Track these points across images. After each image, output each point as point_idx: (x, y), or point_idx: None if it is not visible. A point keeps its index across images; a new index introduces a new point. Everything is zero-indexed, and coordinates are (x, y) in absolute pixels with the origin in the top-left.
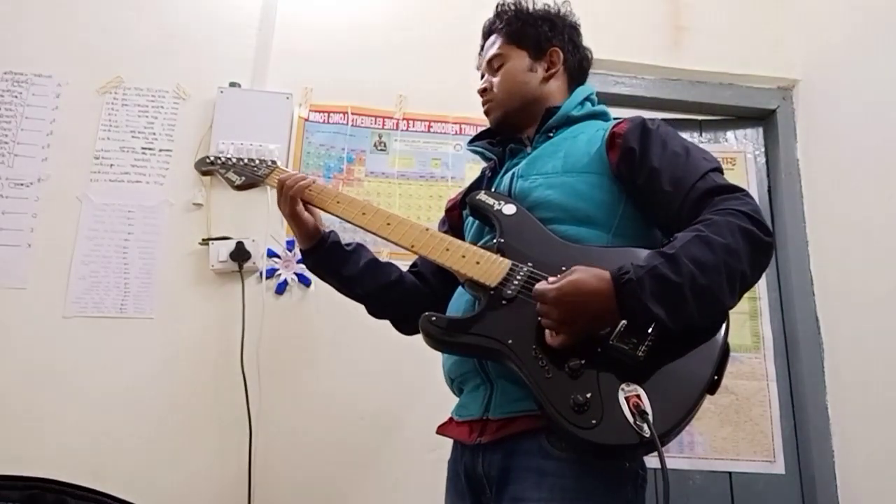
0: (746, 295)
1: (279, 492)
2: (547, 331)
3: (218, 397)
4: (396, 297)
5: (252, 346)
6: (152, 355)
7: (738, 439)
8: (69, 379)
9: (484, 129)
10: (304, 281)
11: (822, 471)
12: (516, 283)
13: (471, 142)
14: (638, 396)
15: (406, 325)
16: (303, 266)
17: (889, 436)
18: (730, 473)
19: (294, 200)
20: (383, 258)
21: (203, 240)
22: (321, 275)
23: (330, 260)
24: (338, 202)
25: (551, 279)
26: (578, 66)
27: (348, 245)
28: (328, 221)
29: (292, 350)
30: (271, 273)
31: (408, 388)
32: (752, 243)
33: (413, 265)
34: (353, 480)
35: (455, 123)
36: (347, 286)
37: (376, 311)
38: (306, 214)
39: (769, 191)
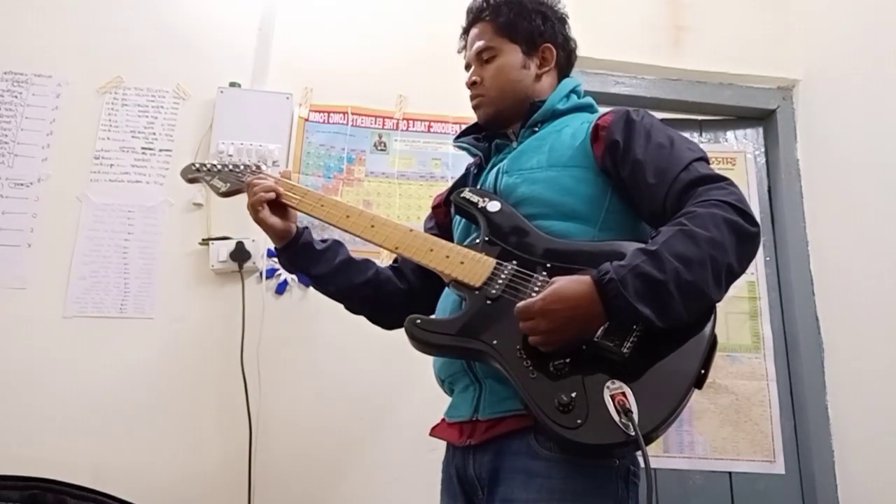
0: (746, 295)
1: (279, 491)
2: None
3: (218, 397)
4: (370, 293)
5: (252, 346)
6: (152, 355)
7: (738, 439)
8: (69, 379)
9: (469, 124)
10: (304, 281)
11: (822, 471)
12: (500, 282)
13: (457, 137)
14: (623, 394)
15: (383, 321)
16: None
17: (889, 436)
18: (730, 473)
19: (256, 205)
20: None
21: (203, 240)
22: (295, 273)
23: (302, 259)
24: (321, 205)
25: (532, 298)
26: (567, 59)
27: (323, 242)
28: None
29: (292, 350)
30: (271, 273)
31: (407, 387)
32: (737, 234)
33: (395, 260)
34: (353, 480)
35: (455, 123)
36: (321, 284)
37: (352, 308)
38: (273, 218)
39: (769, 191)
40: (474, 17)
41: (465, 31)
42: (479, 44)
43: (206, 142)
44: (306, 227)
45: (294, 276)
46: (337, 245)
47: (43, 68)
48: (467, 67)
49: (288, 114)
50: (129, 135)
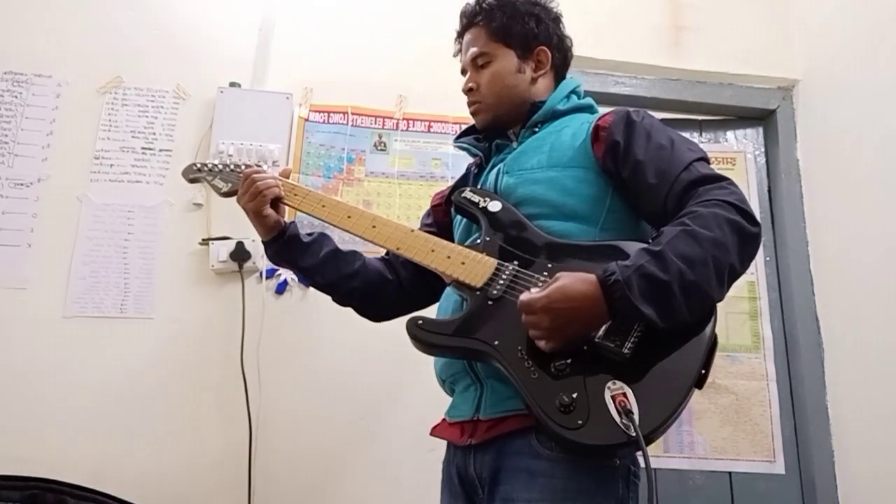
0: (746, 295)
1: (279, 491)
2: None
3: (218, 397)
4: (358, 285)
5: (252, 346)
6: (152, 355)
7: (738, 439)
8: (69, 379)
9: (469, 125)
10: (304, 281)
11: (822, 471)
12: (502, 282)
13: (457, 138)
14: (624, 395)
15: (371, 313)
16: None
17: (889, 436)
18: (730, 473)
19: (264, 201)
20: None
21: (203, 240)
22: (282, 265)
23: (288, 252)
24: (323, 206)
25: (534, 290)
26: (563, 59)
27: (309, 235)
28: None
29: (292, 350)
30: (271, 273)
31: (407, 387)
32: (739, 234)
33: (386, 252)
34: (353, 480)
35: (455, 123)
36: (308, 276)
37: (340, 300)
38: (270, 210)
39: (769, 191)
40: (468, 21)
41: (460, 35)
42: (474, 50)
43: (206, 142)
44: (293, 221)
45: (294, 276)
46: (323, 237)
47: (43, 68)
48: (463, 72)
49: (288, 114)
50: (129, 135)
